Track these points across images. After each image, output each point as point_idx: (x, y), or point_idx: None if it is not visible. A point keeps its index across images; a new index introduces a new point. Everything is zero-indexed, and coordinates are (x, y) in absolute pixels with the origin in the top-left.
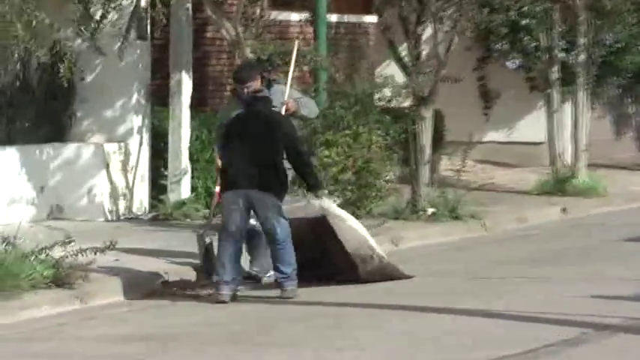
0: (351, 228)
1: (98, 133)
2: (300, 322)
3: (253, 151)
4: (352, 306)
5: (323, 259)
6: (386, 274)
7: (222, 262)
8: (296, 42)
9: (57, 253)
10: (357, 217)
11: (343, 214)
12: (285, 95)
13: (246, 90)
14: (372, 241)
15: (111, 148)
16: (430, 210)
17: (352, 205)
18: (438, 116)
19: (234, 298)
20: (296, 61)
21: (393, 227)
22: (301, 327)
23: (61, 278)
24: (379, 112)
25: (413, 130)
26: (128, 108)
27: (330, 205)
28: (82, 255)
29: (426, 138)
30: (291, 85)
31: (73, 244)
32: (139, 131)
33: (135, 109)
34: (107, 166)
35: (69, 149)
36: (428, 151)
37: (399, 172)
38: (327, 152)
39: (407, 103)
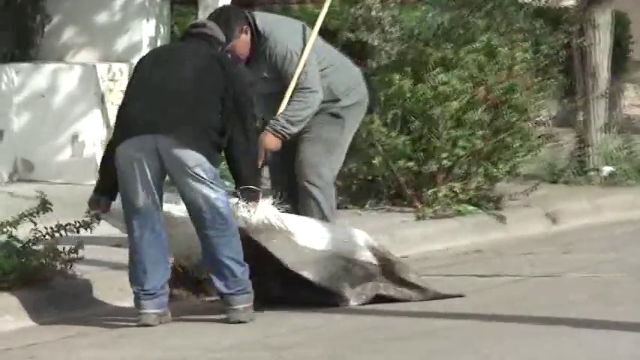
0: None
1: (87, 48)
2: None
3: (168, 92)
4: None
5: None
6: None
7: (138, 260)
8: None
9: (22, 233)
10: (493, 178)
11: (288, 225)
12: (306, 51)
13: (229, 56)
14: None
15: (107, 70)
16: (606, 169)
17: (485, 161)
18: (619, 22)
19: (164, 318)
20: None
21: (548, 195)
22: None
23: (29, 274)
24: (526, 15)
25: (580, 44)
26: (133, 7)
27: (264, 213)
28: (61, 235)
29: (601, 56)
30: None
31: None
32: (152, 45)
33: (145, 9)
34: (102, 99)
35: (41, 73)
36: (604, 76)
37: (556, 110)
38: (444, 77)
39: (571, 1)
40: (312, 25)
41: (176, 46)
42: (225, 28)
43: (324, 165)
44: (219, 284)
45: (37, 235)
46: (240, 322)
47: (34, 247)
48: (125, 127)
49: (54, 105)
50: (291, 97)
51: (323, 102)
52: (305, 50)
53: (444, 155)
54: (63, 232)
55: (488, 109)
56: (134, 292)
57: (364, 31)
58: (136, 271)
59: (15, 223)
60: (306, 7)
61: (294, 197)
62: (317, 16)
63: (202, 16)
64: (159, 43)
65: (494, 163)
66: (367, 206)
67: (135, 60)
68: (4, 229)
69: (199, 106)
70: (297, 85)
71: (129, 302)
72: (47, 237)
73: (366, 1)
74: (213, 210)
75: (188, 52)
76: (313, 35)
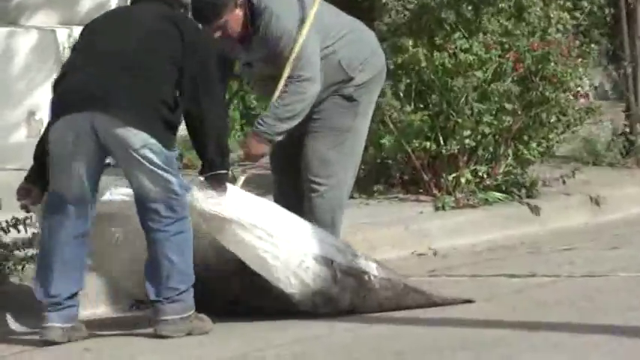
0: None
1: (44, 10)
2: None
3: (111, 62)
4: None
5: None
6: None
7: (45, 263)
8: None
9: None
10: (525, 160)
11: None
12: (303, 31)
13: (216, 34)
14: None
15: (68, 35)
16: None
17: (515, 140)
18: None
19: (74, 334)
20: None
21: (590, 180)
22: None
23: None
24: None
25: (627, 1)
26: None
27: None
28: (5, 231)
29: None
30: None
31: None
32: (120, 4)
33: None
34: None
35: None
36: None
37: (599, 80)
38: (464, 43)
39: None
40: None
41: (127, 8)
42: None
43: (335, 160)
44: (150, 289)
45: None
46: (166, 337)
47: None
48: (58, 103)
49: (6, 77)
50: (284, 86)
51: (334, 84)
52: (302, 30)
53: (467, 134)
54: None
55: (518, 79)
56: (39, 302)
57: None
58: (41, 275)
59: None
60: None
61: (299, 193)
62: None
63: None
64: (128, 2)
65: (526, 142)
66: (377, 194)
67: None
68: None
69: (148, 76)
70: (291, 71)
71: (92, 310)
72: None
73: None
74: (162, 199)
75: (138, 14)
76: (311, 14)
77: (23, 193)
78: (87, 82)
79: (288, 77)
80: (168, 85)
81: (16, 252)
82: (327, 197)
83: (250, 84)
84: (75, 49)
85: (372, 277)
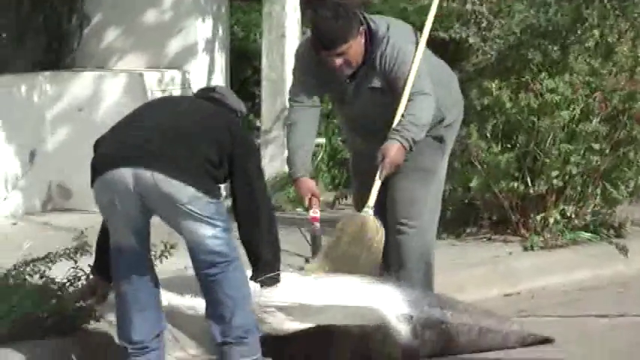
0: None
1: (132, 54)
2: None
3: (158, 127)
4: None
5: None
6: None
7: (123, 311)
8: None
9: (60, 271)
10: (613, 200)
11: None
12: (415, 63)
13: (337, 62)
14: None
15: (156, 78)
16: None
17: (603, 180)
18: None
19: None
20: None
21: None
22: None
23: (66, 320)
24: None
25: None
26: (186, 5)
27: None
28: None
29: None
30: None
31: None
32: (208, 48)
33: (199, 6)
34: None
35: (79, 83)
36: None
37: None
38: (551, 83)
39: None
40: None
41: (185, 97)
42: (344, 21)
43: (423, 201)
44: (215, 331)
45: (77, 275)
46: None
47: (72, 289)
48: (96, 163)
49: (94, 120)
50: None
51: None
52: (417, 53)
53: (555, 174)
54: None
55: (605, 119)
56: (123, 349)
57: (459, 28)
58: (121, 322)
59: (49, 262)
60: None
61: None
62: (403, 10)
63: (267, 13)
64: (216, 46)
65: (614, 182)
66: (465, 235)
67: (189, 66)
68: (37, 269)
69: (192, 141)
70: (411, 89)
71: (182, 353)
72: (87, 277)
73: None
74: (215, 246)
75: (193, 102)
76: (423, 38)
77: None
78: (127, 143)
79: (410, 94)
80: (213, 155)
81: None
82: (416, 239)
83: (345, 119)
84: (120, 120)
85: (448, 326)
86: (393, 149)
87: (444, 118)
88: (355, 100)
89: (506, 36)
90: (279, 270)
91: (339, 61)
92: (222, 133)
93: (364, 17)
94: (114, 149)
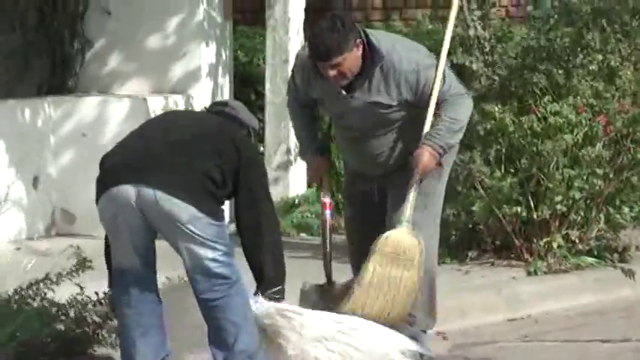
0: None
1: (135, 78)
2: None
3: (160, 142)
4: None
5: None
6: None
7: (126, 335)
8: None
9: (63, 294)
10: (617, 224)
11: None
12: (437, 80)
13: (332, 73)
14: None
15: (160, 103)
16: None
17: (607, 205)
18: None
19: None
20: None
21: None
22: None
23: (69, 344)
24: None
25: None
26: (190, 29)
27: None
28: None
29: None
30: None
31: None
32: (212, 73)
33: (203, 31)
34: None
35: (82, 108)
36: None
37: None
38: (555, 107)
39: None
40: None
41: (192, 112)
42: (341, 35)
43: (421, 224)
44: (218, 356)
45: (79, 298)
46: None
47: (76, 313)
48: (102, 179)
49: (98, 145)
50: (435, 111)
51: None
52: (440, 61)
53: (558, 199)
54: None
55: (608, 143)
56: None
57: (462, 54)
58: (125, 348)
59: (51, 286)
60: (393, 24)
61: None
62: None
63: (270, 38)
64: (220, 71)
65: (618, 207)
66: (468, 260)
67: (192, 91)
68: (40, 292)
69: (195, 159)
70: (441, 96)
71: None
72: (92, 301)
73: (463, 19)
74: (215, 268)
75: (200, 118)
76: (444, 48)
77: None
78: (131, 159)
79: (442, 100)
80: (214, 167)
81: (109, 322)
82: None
83: (342, 135)
84: (127, 135)
85: None
86: (425, 156)
87: None
88: (354, 115)
89: (509, 58)
90: (283, 286)
91: (333, 72)
92: (226, 147)
93: (364, 31)
94: (118, 165)
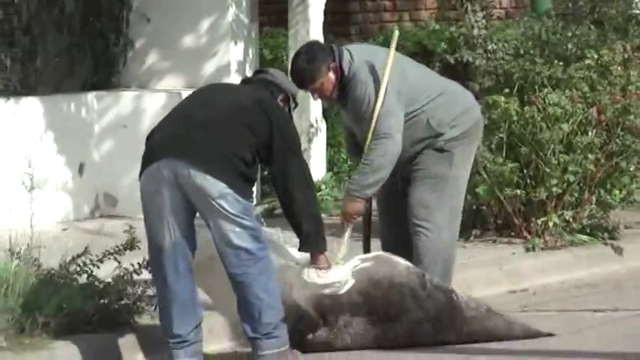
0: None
1: (171, 74)
2: None
3: (195, 121)
4: None
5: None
6: (490, 328)
7: (164, 306)
8: (396, 30)
9: (106, 272)
10: (607, 205)
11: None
12: (380, 98)
13: (314, 95)
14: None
15: None
16: None
17: (598, 187)
18: None
19: None
20: None
21: None
22: None
23: (112, 316)
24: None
25: None
26: (220, 30)
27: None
28: (137, 273)
29: None
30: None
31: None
32: (240, 69)
33: (232, 31)
34: None
35: (123, 101)
36: None
37: None
38: (553, 97)
39: None
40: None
41: (226, 86)
42: (311, 64)
43: (434, 205)
44: (246, 327)
45: (121, 274)
46: None
47: (118, 287)
48: (145, 156)
49: (137, 135)
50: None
51: (424, 139)
52: (380, 92)
53: (554, 182)
54: (146, 271)
55: (600, 131)
56: (166, 342)
57: (466, 51)
58: (163, 316)
59: (97, 262)
60: (403, 24)
61: (406, 244)
62: (414, 34)
63: (292, 37)
64: (247, 67)
65: (608, 189)
66: (472, 238)
67: None
68: (86, 269)
69: (228, 137)
70: (373, 131)
71: (218, 345)
72: (130, 275)
73: (467, 19)
74: (242, 244)
75: (233, 92)
76: (386, 74)
77: None
78: (171, 137)
79: (373, 136)
80: (246, 148)
81: (148, 291)
82: (431, 239)
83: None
84: (169, 113)
85: (458, 297)
86: (344, 206)
87: (442, 134)
88: (348, 122)
89: (510, 56)
90: (323, 237)
91: (315, 95)
92: (257, 118)
93: (339, 54)
94: (157, 143)
